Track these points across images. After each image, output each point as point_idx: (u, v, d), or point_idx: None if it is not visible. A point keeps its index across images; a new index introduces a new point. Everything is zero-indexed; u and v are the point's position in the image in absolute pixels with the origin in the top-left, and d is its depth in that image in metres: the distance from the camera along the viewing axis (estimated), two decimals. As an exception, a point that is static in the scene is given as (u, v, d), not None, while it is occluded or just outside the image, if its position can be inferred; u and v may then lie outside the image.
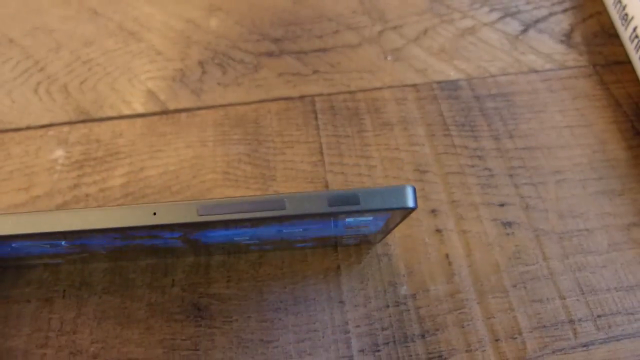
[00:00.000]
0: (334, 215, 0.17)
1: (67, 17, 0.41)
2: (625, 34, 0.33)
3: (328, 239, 0.24)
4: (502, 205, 0.28)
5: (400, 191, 0.16)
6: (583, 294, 0.25)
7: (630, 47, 0.33)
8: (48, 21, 0.41)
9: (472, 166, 0.30)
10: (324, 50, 0.37)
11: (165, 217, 0.16)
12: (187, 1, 0.42)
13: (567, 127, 0.31)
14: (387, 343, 0.24)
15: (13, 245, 0.20)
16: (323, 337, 0.24)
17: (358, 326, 0.25)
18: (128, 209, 0.16)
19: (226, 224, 0.17)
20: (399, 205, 0.16)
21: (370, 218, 0.18)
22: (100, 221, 0.16)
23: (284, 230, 0.20)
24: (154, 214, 0.16)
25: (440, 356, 0.24)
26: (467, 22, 0.38)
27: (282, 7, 0.40)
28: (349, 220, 0.19)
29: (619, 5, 0.34)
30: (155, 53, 0.38)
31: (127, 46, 0.38)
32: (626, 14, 0.33)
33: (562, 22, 0.37)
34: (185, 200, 0.17)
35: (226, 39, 0.38)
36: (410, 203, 0.16)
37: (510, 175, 0.29)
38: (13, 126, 0.34)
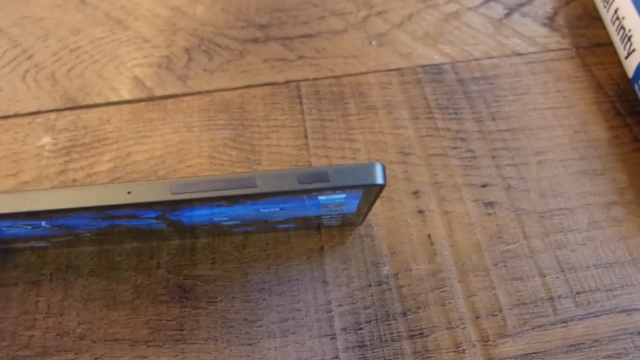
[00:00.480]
0: (305, 192, 0.17)
1: (55, 5, 0.41)
2: (607, 16, 0.34)
3: (310, 219, 0.24)
4: (484, 186, 0.28)
5: (369, 168, 0.16)
6: (563, 271, 0.25)
7: (611, 29, 0.33)
8: (36, 10, 0.41)
9: (455, 148, 0.30)
10: (309, 36, 0.37)
11: (140, 196, 0.16)
12: (174, -11, 0.42)
13: (549, 108, 0.31)
14: (369, 321, 0.24)
15: None
16: (306, 316, 0.25)
17: (341, 305, 0.25)
18: (103, 187, 0.16)
19: (200, 202, 0.17)
20: (368, 182, 0.16)
21: (343, 196, 0.19)
22: (74, 200, 0.16)
23: (262, 210, 0.21)
24: (129, 192, 0.16)
25: (421, 333, 0.24)
26: (452, 7, 0.38)
27: (268, -7, 0.40)
28: (321, 198, 0.19)
29: (601, -13, 0.34)
30: (142, 40, 0.38)
31: (114, 34, 0.38)
32: (608, -4, 0.33)
33: (546, 5, 0.37)
34: (160, 180, 0.17)
35: (212, 26, 0.38)
36: (379, 180, 0.17)
37: (493, 157, 0.30)
38: (1, 114, 0.34)
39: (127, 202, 0.16)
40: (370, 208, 0.23)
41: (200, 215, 0.21)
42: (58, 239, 0.24)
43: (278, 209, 0.21)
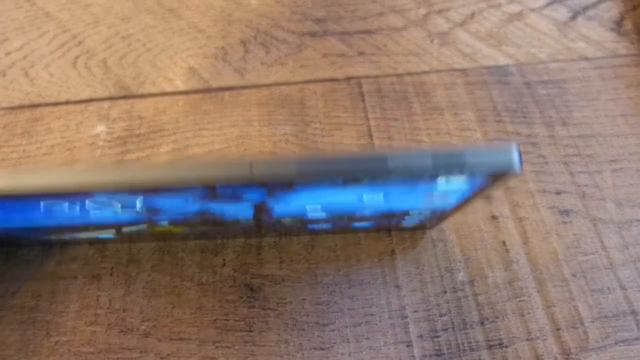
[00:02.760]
0: (435, 175, 0.16)
1: (103, -9, 0.40)
2: (681, 23, 0.33)
3: (392, 216, 0.23)
4: (558, 193, 0.28)
5: (506, 152, 0.15)
6: (645, 285, 0.25)
7: (686, 36, 0.32)
8: (84, -5, 0.40)
9: (526, 153, 0.29)
10: (368, 32, 0.36)
11: (264, 172, 0.15)
12: (225, -21, 0.41)
13: (621, 115, 0.31)
14: (446, 329, 0.24)
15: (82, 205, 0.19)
16: (380, 321, 0.24)
17: (415, 311, 0.24)
18: (224, 162, 0.15)
19: (323, 180, 0.16)
20: (505, 168, 0.15)
21: (463, 184, 0.18)
22: (198, 172, 0.15)
23: (365, 197, 0.20)
24: (251, 167, 0.15)
25: (500, 344, 0.23)
26: (514, 7, 0.37)
27: (323, -13, 0.39)
28: (440, 183, 0.18)
29: (675, -7, 0.33)
30: (195, 30, 0.37)
31: (166, 23, 0.38)
32: (684, 2, 0.32)
33: (612, 9, 0.36)
34: (283, 156, 0.16)
35: (268, 18, 0.37)
36: (516, 167, 0.15)
37: (565, 163, 0.29)
38: (52, 100, 0.33)
39: (250, 178, 0.15)
40: (458, 210, 0.22)
41: (297, 204, 0.20)
42: (131, 227, 0.23)
43: (381, 196, 0.20)
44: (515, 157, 0.15)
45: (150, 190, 0.17)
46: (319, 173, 0.15)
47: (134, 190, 0.16)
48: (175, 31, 0.37)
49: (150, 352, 0.24)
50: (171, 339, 0.24)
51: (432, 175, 0.16)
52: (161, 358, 0.24)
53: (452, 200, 0.20)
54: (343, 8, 0.38)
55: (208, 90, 0.33)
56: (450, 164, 0.15)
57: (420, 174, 0.16)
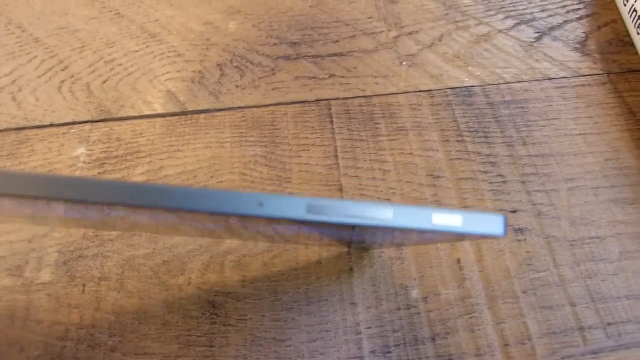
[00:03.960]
0: (433, 229, 0.17)
1: (91, 17, 0.42)
2: (639, 42, 0.34)
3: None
4: (514, 211, 0.28)
5: (495, 221, 0.16)
6: (593, 301, 0.25)
7: (645, 57, 0.33)
8: (72, 21, 0.42)
9: (485, 172, 0.30)
10: (340, 54, 0.37)
11: (273, 210, 0.16)
12: (207, 4, 0.42)
13: (580, 134, 0.31)
14: (398, 345, 0.25)
15: None
16: (335, 337, 0.25)
17: (369, 327, 0.25)
18: (233, 194, 0.16)
19: (330, 225, 0.17)
20: (491, 232, 0.16)
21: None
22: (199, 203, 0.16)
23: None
24: (261, 204, 0.16)
25: (450, 359, 0.24)
26: (482, 29, 0.38)
27: (299, 11, 0.41)
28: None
29: (634, 13, 0.34)
30: (175, 54, 0.38)
31: (148, 47, 0.39)
32: (642, 24, 0.33)
33: (577, 29, 0.37)
34: (293, 195, 0.17)
35: (244, 42, 0.39)
36: (501, 235, 0.17)
37: (523, 182, 0.30)
38: (37, 123, 0.35)
39: (261, 214, 0.16)
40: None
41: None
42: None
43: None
44: (502, 228, 0.16)
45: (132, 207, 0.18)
46: (328, 219, 0.16)
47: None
48: (156, 55, 0.38)
49: (116, 367, 0.25)
50: (136, 354, 0.25)
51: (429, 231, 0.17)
52: (126, 372, 0.25)
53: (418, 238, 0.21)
54: (317, 32, 0.39)
55: (184, 113, 0.35)
56: (445, 225, 0.16)
57: (418, 229, 0.17)
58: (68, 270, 0.28)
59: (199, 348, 0.25)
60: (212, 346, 0.25)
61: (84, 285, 0.27)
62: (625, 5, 0.36)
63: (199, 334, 0.25)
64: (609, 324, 0.25)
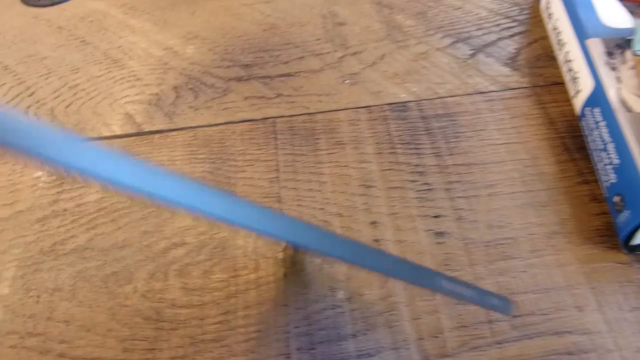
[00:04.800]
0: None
1: (58, 45, 0.45)
2: (560, 57, 0.36)
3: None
4: (436, 216, 0.31)
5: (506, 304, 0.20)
6: (503, 297, 0.28)
7: (564, 69, 0.35)
8: (41, 49, 0.45)
9: (413, 181, 0.32)
10: (288, 75, 0.40)
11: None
12: (167, 30, 0.45)
13: (504, 144, 0.34)
14: (322, 342, 0.27)
15: None
16: (266, 337, 0.27)
17: (297, 327, 0.27)
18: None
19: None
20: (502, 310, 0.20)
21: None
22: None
23: None
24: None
25: (368, 353, 0.26)
26: (421, 47, 0.41)
27: (253, 35, 0.44)
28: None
29: (555, 31, 0.37)
30: (135, 79, 0.41)
31: (110, 72, 0.42)
32: (560, 39, 0.36)
33: (509, 46, 0.40)
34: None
35: (200, 65, 0.41)
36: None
37: (447, 189, 0.32)
38: (3, 147, 0.37)
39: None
40: None
41: None
42: None
43: None
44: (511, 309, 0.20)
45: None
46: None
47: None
48: (117, 80, 0.41)
49: (66, 369, 0.27)
50: (84, 358, 0.27)
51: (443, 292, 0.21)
52: (75, 374, 0.27)
53: None
54: (269, 54, 0.42)
55: (140, 133, 0.37)
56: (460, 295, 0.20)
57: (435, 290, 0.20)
58: (24, 283, 0.30)
59: (141, 351, 0.27)
60: (153, 349, 0.27)
61: (38, 296, 0.30)
62: (548, 23, 0.39)
63: (141, 338, 0.28)
64: (514, 316, 0.27)
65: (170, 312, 0.28)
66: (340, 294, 0.28)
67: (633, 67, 0.31)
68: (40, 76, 0.42)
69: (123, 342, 0.28)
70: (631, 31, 0.33)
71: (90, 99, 0.40)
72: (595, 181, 0.31)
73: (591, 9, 0.34)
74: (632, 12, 0.35)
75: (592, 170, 0.32)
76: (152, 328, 0.28)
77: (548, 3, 0.39)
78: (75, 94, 0.41)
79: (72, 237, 0.32)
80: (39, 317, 0.29)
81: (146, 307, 0.29)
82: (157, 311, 0.29)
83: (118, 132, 0.37)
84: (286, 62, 0.41)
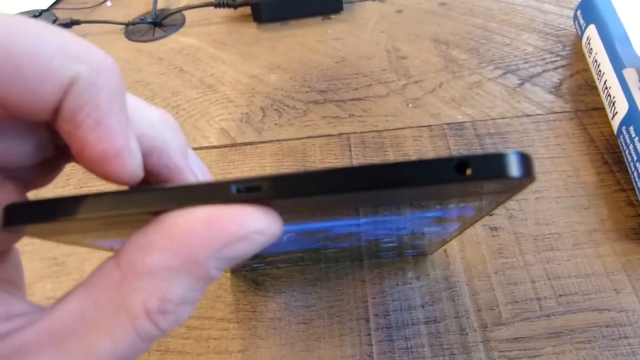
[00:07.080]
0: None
1: (160, 73, 0.53)
2: (600, 86, 0.42)
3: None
4: (491, 215, 0.36)
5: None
6: (549, 279, 0.32)
7: (603, 96, 0.41)
8: (146, 76, 0.53)
9: (470, 186, 0.38)
10: (358, 99, 0.46)
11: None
12: (253, 61, 0.53)
13: (549, 157, 0.39)
14: (395, 310, 0.32)
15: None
16: (347, 304, 0.33)
17: (374, 298, 0.33)
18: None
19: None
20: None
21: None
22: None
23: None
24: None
25: (435, 320, 0.31)
26: (475, 77, 0.47)
27: (327, 66, 0.51)
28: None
29: (595, 63, 0.42)
30: (227, 101, 0.48)
31: (205, 95, 0.49)
32: (599, 70, 0.41)
33: (553, 77, 0.46)
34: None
35: (282, 90, 0.48)
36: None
37: (500, 193, 0.37)
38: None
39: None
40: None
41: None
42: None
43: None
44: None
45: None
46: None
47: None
48: (212, 102, 0.48)
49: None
50: (205, 317, 0.33)
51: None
52: (190, 329, 0.33)
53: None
54: (341, 81, 0.49)
55: (234, 145, 0.44)
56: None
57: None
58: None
59: (245, 313, 0.33)
60: (255, 311, 0.33)
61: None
62: (589, 57, 0.44)
63: (245, 303, 0.34)
64: (560, 295, 0.32)
65: (269, 284, 0.34)
66: (410, 274, 0.34)
67: (663, 93, 0.36)
68: (147, 98, 0.50)
69: (230, 305, 0.34)
70: (661, 63, 0.38)
71: (190, 116, 0.47)
72: (632, 189, 0.36)
73: (628, 43, 0.40)
74: (663, 48, 0.40)
75: (629, 181, 0.37)
76: (253, 295, 0.34)
77: (589, 39, 0.44)
78: (177, 112, 0.48)
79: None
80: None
81: (249, 280, 0.35)
82: (256, 282, 0.34)
83: (215, 143, 0.44)
84: (356, 89, 0.48)
